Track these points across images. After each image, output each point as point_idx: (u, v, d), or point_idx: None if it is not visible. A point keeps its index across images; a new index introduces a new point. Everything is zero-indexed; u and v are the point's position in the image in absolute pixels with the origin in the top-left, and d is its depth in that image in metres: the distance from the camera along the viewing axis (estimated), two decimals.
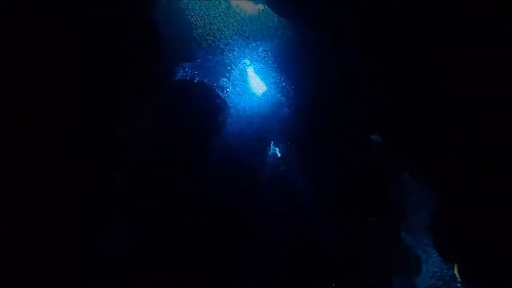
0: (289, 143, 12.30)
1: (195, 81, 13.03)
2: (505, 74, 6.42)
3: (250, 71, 13.69)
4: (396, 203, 12.04)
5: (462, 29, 6.23)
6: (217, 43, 13.17)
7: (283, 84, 12.66)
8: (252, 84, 13.70)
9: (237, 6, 13.07)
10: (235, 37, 13.18)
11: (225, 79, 13.77)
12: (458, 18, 6.13)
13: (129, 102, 8.68)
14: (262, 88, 13.50)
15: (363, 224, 11.33)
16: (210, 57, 13.33)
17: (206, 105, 12.03)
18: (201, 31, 13.05)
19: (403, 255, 12.38)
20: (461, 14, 6.10)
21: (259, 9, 12.80)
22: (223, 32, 13.15)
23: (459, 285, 10.97)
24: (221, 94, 12.77)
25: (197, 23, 12.96)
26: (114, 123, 7.85)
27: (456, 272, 9.19)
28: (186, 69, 13.34)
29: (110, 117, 7.55)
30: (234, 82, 13.76)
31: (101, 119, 7.52)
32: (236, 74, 13.71)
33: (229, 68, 13.64)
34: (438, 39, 6.54)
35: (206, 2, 12.79)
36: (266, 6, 11.89)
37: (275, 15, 11.85)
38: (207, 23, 13.03)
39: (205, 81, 13.25)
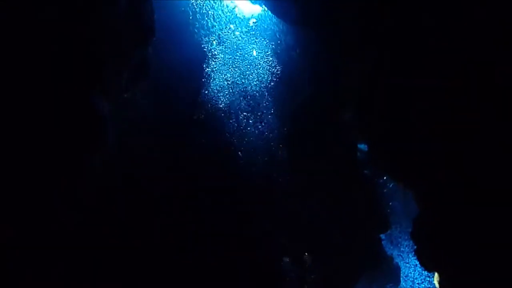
0: (281, 146, 12.31)
1: (191, 84, 12.93)
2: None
3: (248, 72, 13.71)
4: (380, 212, 12.13)
5: (462, 33, 6.32)
6: (218, 45, 13.17)
7: (280, 86, 12.72)
8: (249, 86, 13.69)
9: (235, 6, 13.21)
10: (235, 39, 13.20)
11: (223, 81, 13.74)
12: (458, 20, 6.24)
13: (117, 85, 8.53)
14: (259, 89, 13.50)
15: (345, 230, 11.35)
16: (209, 60, 13.29)
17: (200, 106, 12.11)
18: (202, 32, 13.05)
19: (382, 263, 12.42)
20: (461, 16, 6.20)
21: (258, 12, 12.95)
22: (222, 34, 13.19)
23: None
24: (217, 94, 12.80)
25: (198, 24, 12.96)
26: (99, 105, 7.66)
27: (436, 281, 9.19)
28: (186, 71, 13.19)
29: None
30: (231, 84, 13.74)
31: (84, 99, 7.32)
32: (234, 76, 13.70)
33: (228, 70, 13.65)
34: (437, 42, 6.64)
35: (207, 3, 12.87)
36: (264, 7, 12.02)
37: (273, 16, 11.99)
38: (208, 25, 13.07)
39: (202, 84, 13.18)
